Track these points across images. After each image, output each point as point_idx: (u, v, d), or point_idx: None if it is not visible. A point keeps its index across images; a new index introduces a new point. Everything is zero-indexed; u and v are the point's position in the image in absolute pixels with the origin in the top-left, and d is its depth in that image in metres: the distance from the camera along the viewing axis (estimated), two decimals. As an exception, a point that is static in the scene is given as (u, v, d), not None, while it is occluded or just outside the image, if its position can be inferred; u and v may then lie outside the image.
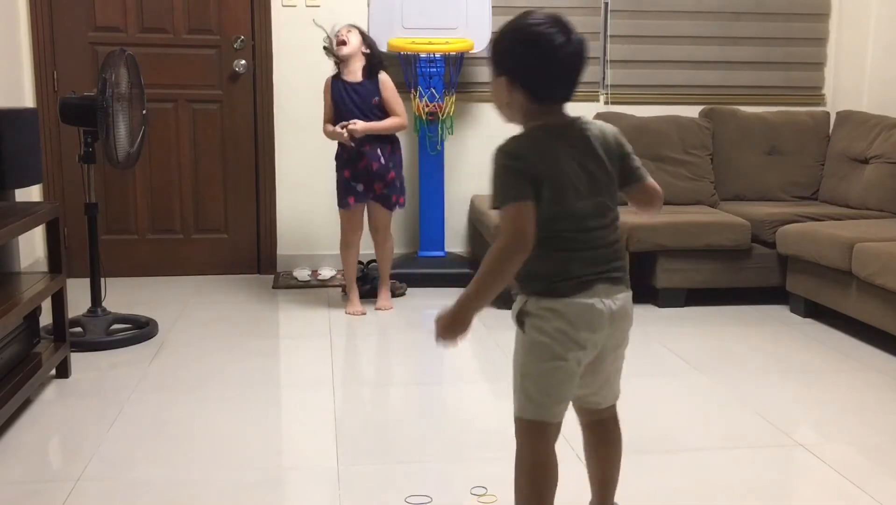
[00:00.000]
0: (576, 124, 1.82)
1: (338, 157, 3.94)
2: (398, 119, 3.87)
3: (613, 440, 1.96)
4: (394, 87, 3.89)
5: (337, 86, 3.88)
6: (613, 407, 1.94)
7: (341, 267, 4.67)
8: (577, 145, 1.79)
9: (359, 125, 3.78)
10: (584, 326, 1.75)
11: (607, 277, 1.78)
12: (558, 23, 1.75)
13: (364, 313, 3.98)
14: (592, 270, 1.77)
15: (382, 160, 3.86)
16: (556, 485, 1.87)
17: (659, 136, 4.52)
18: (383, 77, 3.87)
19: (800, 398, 3.00)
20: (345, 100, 3.84)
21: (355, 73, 3.86)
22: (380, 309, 4.04)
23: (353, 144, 3.81)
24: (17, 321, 2.85)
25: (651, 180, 1.86)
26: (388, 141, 3.90)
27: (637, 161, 1.86)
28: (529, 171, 1.71)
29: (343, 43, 3.83)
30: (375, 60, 3.89)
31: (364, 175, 3.87)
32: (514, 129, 1.79)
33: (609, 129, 1.85)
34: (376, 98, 3.84)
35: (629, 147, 1.85)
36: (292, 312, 4.07)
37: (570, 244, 1.76)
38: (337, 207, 3.99)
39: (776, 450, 2.57)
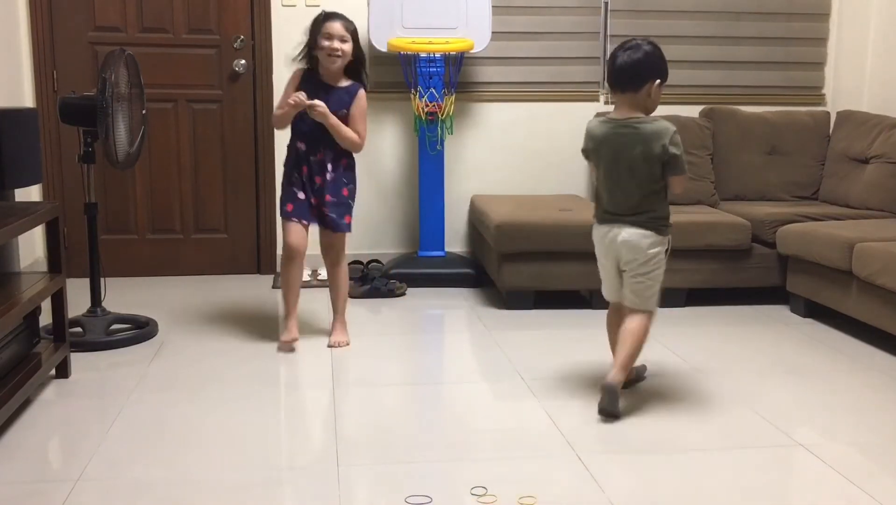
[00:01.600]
0: (629, 122, 2.84)
1: (285, 163, 3.50)
2: (356, 136, 3.41)
3: (627, 326, 2.90)
4: (365, 108, 3.45)
5: (310, 82, 3.42)
6: (633, 309, 2.91)
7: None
8: (620, 137, 2.84)
9: (320, 106, 3.31)
10: (598, 244, 2.95)
11: (623, 220, 2.84)
12: (628, 43, 2.82)
13: (293, 344, 3.45)
14: (612, 213, 2.87)
15: (330, 175, 3.42)
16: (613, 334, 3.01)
17: (659, 136, 4.52)
18: (361, 94, 3.43)
19: (800, 398, 3.00)
20: (312, 99, 3.34)
21: (335, 75, 3.43)
22: (333, 346, 3.49)
23: (302, 102, 3.31)
24: (17, 321, 2.84)
25: (671, 178, 2.83)
26: (344, 154, 3.46)
27: (672, 165, 2.79)
28: (586, 141, 2.98)
29: (338, 55, 3.36)
30: (359, 64, 3.46)
31: (304, 185, 3.44)
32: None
33: (660, 136, 2.78)
34: (345, 111, 3.39)
35: (670, 154, 2.77)
36: (292, 312, 4.07)
37: (602, 195, 2.90)
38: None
39: (776, 450, 2.57)
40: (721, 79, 4.92)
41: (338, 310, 3.58)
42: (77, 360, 3.25)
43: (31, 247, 4.36)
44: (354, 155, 3.51)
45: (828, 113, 4.84)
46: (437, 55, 4.34)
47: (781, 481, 2.40)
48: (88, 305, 3.61)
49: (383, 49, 4.33)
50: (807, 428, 2.75)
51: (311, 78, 3.45)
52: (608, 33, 4.79)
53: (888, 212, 4.19)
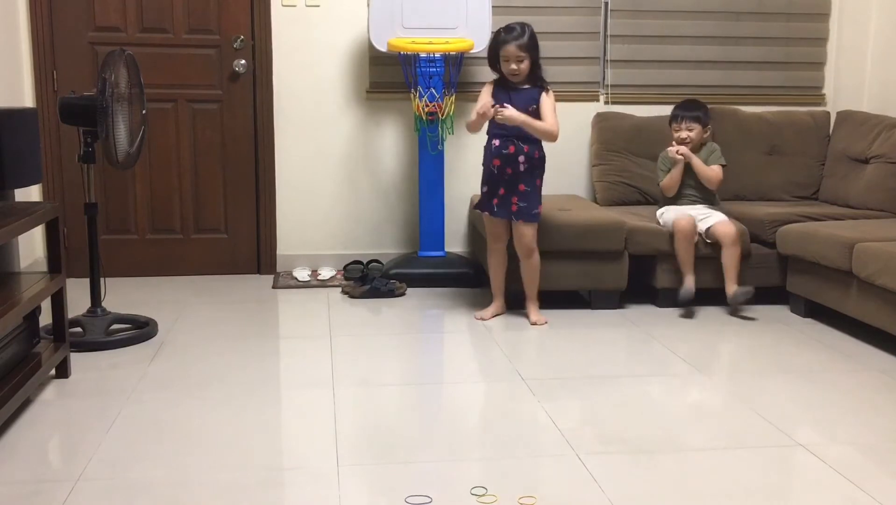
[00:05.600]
0: None
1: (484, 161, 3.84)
2: (549, 125, 3.71)
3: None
4: (553, 103, 3.76)
5: (501, 88, 3.75)
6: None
7: (341, 267, 4.69)
8: None
9: (506, 110, 3.61)
10: None
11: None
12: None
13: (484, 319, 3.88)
14: None
15: (522, 167, 3.73)
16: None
17: (659, 136, 4.51)
18: (545, 95, 3.73)
19: (800, 398, 3.00)
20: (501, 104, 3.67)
21: (520, 82, 3.73)
22: (535, 324, 3.85)
23: (489, 112, 3.63)
24: (17, 321, 2.84)
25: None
26: (537, 147, 3.77)
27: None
28: None
29: (516, 75, 3.70)
30: (535, 68, 3.74)
31: (493, 179, 3.77)
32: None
33: None
34: (533, 106, 3.70)
35: None
36: (292, 312, 4.07)
37: None
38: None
39: (776, 450, 2.57)
40: (721, 79, 4.92)
41: (529, 296, 3.91)
42: (77, 360, 3.25)
43: (31, 247, 4.36)
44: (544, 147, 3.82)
45: (828, 113, 4.84)
46: (437, 55, 4.33)
47: (781, 481, 2.40)
48: (88, 305, 3.62)
49: (383, 49, 4.33)
50: (807, 428, 2.75)
51: (501, 84, 3.77)
52: (608, 33, 4.79)
53: (888, 212, 4.19)
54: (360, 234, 4.82)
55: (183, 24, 4.54)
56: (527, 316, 3.91)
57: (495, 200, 3.79)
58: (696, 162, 4.13)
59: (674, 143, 4.20)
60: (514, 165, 3.74)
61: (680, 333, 3.75)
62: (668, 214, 4.11)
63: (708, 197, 4.18)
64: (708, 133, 4.24)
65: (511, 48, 3.65)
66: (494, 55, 3.73)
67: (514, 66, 3.67)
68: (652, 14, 4.81)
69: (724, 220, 4.04)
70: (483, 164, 3.86)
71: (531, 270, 3.87)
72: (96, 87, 3.36)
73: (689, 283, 3.99)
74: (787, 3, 4.89)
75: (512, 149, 3.73)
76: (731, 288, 3.97)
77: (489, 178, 3.81)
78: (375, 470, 2.42)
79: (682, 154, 4.11)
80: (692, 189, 4.17)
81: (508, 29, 3.69)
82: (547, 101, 3.74)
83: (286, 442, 2.63)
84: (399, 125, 4.74)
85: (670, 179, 4.16)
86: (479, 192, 4.73)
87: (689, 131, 4.17)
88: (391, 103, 4.69)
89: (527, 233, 3.80)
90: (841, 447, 2.58)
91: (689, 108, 4.23)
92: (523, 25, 3.70)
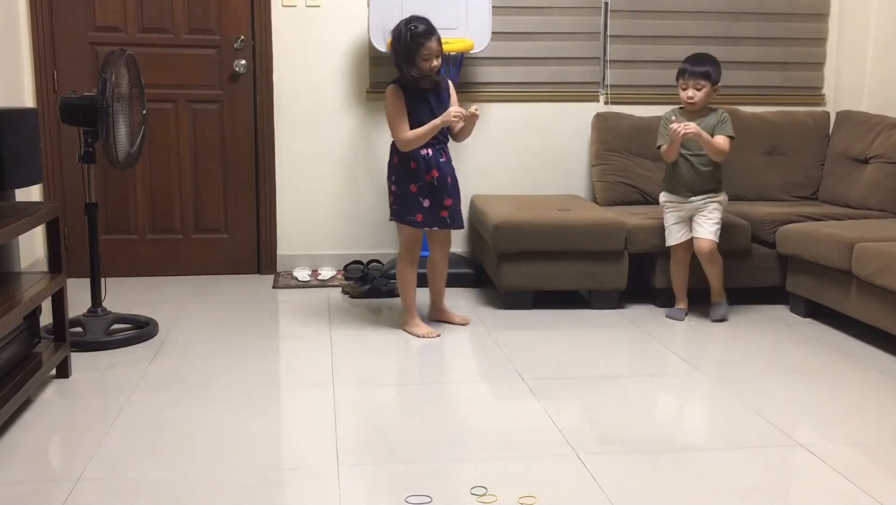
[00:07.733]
0: None
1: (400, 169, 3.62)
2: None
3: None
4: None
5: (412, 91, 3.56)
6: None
7: (341, 267, 4.69)
8: None
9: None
10: None
11: None
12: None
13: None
14: None
15: (455, 172, 3.67)
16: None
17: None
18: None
19: (800, 398, 3.00)
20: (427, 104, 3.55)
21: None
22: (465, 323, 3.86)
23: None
24: (17, 321, 2.84)
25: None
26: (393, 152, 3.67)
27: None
28: None
29: (436, 72, 3.53)
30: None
31: (434, 190, 3.58)
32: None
33: None
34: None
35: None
36: (292, 312, 4.07)
37: None
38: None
39: (776, 450, 2.57)
40: (721, 79, 4.91)
41: (441, 298, 3.90)
42: (77, 360, 3.25)
43: (32, 247, 4.36)
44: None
45: (828, 113, 4.84)
46: (437, 55, 4.33)
47: (781, 481, 2.40)
48: (89, 304, 3.62)
49: (383, 49, 4.32)
50: (807, 428, 2.75)
51: (409, 89, 3.54)
52: (608, 33, 4.79)
53: (888, 212, 4.19)
54: (360, 234, 4.82)
55: (183, 24, 4.54)
56: (450, 320, 3.86)
57: (444, 213, 3.60)
58: (705, 138, 3.75)
59: (678, 122, 3.82)
60: (451, 172, 3.62)
61: (680, 333, 3.75)
62: (670, 223, 3.94)
63: (711, 184, 3.86)
64: (717, 91, 3.88)
65: (434, 44, 3.44)
66: (410, 54, 3.43)
67: (436, 63, 3.47)
68: (652, 14, 4.81)
69: (705, 237, 3.85)
70: (405, 180, 3.58)
71: (445, 271, 3.85)
72: (96, 87, 3.36)
73: (682, 306, 4.01)
74: (787, 3, 4.90)
75: (445, 157, 3.61)
76: (714, 301, 3.98)
77: (429, 191, 3.56)
78: (375, 470, 2.42)
79: (689, 133, 3.69)
80: (694, 174, 3.84)
81: (420, 22, 3.45)
82: (454, 92, 3.65)
83: (286, 442, 2.63)
84: (399, 125, 4.74)
85: (669, 149, 3.83)
86: (479, 193, 4.77)
87: (697, 90, 3.80)
88: (391, 103, 4.68)
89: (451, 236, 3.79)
90: (841, 447, 2.58)
91: (698, 63, 3.83)
92: (425, 20, 3.50)
